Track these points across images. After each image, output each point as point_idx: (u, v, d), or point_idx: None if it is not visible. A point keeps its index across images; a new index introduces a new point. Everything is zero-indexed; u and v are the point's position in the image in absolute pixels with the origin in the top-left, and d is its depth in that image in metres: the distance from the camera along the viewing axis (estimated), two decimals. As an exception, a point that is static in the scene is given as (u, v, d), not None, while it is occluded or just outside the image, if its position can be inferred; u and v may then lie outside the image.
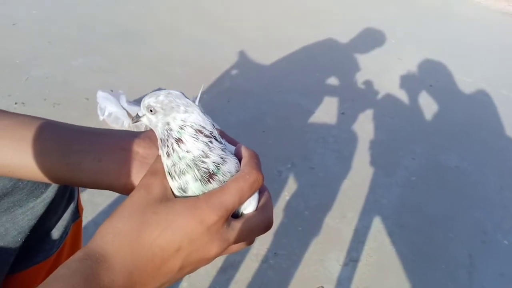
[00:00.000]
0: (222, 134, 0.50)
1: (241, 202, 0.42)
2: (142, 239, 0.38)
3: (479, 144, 2.87)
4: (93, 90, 2.28)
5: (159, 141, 0.44)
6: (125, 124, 2.17)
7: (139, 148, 0.51)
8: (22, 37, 2.87)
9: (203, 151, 0.42)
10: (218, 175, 0.42)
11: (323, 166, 2.31)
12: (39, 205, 0.60)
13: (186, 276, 1.17)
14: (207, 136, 0.43)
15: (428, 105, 3.23)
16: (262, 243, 1.73)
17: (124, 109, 2.16)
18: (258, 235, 0.45)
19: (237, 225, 0.42)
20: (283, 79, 3.13)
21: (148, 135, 0.53)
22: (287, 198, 2.03)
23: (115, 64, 2.79)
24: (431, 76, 3.75)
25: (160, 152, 0.44)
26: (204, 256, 0.40)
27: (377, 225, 1.99)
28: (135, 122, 0.47)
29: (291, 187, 2.10)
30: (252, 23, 4.02)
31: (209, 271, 1.55)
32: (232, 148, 0.47)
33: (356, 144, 2.56)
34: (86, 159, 0.49)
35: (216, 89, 2.79)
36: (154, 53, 3.05)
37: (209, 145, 0.43)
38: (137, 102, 2.39)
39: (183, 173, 0.42)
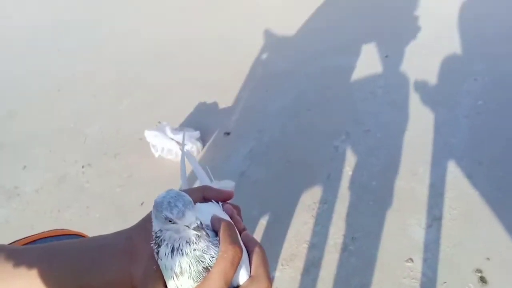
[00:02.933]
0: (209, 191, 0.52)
1: (228, 283, 0.43)
2: None
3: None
4: (143, 128, 2.40)
5: (162, 241, 0.45)
6: (178, 153, 2.28)
7: (132, 248, 0.52)
8: (70, 99, 3.10)
9: (206, 246, 0.44)
10: (210, 266, 0.44)
11: (378, 125, 2.21)
12: None
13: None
14: (203, 229, 0.44)
15: (481, 10, 2.87)
16: (336, 230, 1.74)
17: (172, 139, 2.26)
18: None
19: None
20: (315, 44, 3.00)
21: (144, 226, 0.53)
22: (350, 172, 1.99)
23: (156, 94, 2.89)
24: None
25: (161, 251, 0.45)
26: None
27: (453, 171, 1.87)
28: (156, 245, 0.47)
29: (350, 159, 2.05)
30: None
31: (292, 275, 1.61)
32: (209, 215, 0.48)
33: (408, 86, 2.39)
34: (94, 280, 0.52)
35: (251, 82, 2.77)
36: (186, 71, 3.09)
37: (206, 239, 0.44)
38: (183, 126, 2.48)
39: (182, 273, 0.44)
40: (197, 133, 2.33)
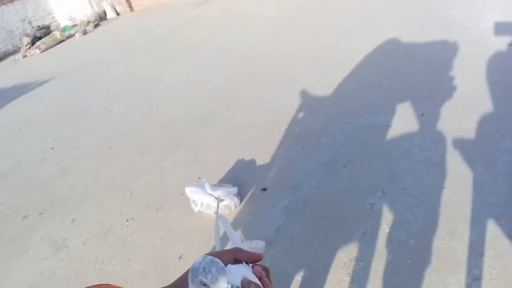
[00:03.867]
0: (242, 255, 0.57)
1: None
2: None
3: None
4: (184, 184, 2.52)
5: None
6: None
7: None
8: (119, 156, 3.33)
9: None
10: None
11: (415, 182, 2.20)
12: None
13: None
14: None
15: (511, 70, 2.89)
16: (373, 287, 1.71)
17: (211, 195, 2.35)
18: None
19: None
20: (350, 103, 3.10)
21: (179, 286, 0.58)
22: (387, 230, 1.97)
23: (196, 153, 3.05)
24: (507, 34, 3.36)
25: None
26: None
27: (493, 230, 1.81)
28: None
29: (387, 217, 2.04)
30: (294, 59, 4.08)
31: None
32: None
33: (445, 144, 2.40)
34: None
35: (288, 139, 2.87)
36: (225, 130, 3.27)
37: None
38: (221, 182, 2.58)
39: None
40: (235, 189, 2.42)
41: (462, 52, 3.27)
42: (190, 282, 0.49)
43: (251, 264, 0.58)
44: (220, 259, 0.56)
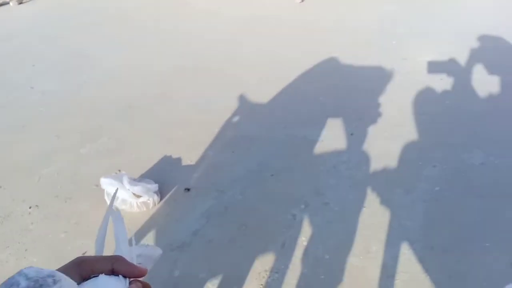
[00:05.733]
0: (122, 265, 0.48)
1: None
2: None
3: (503, 134, 2.68)
4: (101, 175, 2.32)
5: None
6: (133, 204, 2.20)
7: None
8: (32, 137, 3.02)
9: None
10: None
11: (337, 199, 2.22)
12: None
13: None
14: None
15: (440, 103, 3.07)
16: (284, 302, 1.66)
17: (128, 189, 2.19)
18: None
19: None
20: (285, 114, 3.09)
21: (78, 262, 0.48)
22: (305, 243, 1.95)
23: (121, 143, 2.86)
24: (441, 71, 3.58)
25: None
26: None
27: (406, 253, 1.86)
28: None
29: (306, 230, 2.03)
30: (243, 64, 4.04)
31: None
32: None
33: (369, 165, 2.46)
34: None
35: (219, 141, 2.79)
36: (156, 124, 3.10)
37: None
38: (142, 177, 2.43)
39: None
40: (155, 186, 2.28)
41: (396, 80, 3.42)
42: None
43: (130, 279, 0.48)
44: (93, 267, 0.47)
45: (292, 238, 1.99)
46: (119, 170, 2.54)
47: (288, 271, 1.81)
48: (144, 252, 0.63)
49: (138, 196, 2.21)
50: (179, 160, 2.64)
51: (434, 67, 3.60)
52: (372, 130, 2.79)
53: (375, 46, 4.11)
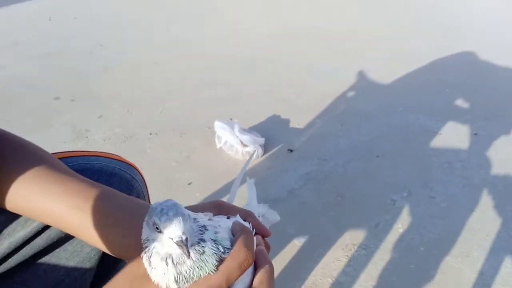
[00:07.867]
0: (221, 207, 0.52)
1: (229, 282, 0.42)
2: None
3: None
4: (214, 120, 2.47)
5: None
6: (239, 151, 2.31)
7: None
8: (161, 75, 3.31)
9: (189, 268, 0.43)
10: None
11: (446, 195, 2.08)
12: None
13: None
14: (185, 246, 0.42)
15: None
16: (368, 279, 1.64)
17: (237, 137, 2.30)
18: None
19: None
20: (405, 98, 2.94)
21: (218, 204, 0.56)
22: (400, 230, 1.88)
23: (237, 94, 2.99)
24: None
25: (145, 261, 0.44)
26: None
27: (509, 267, 1.69)
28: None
29: (405, 217, 1.94)
30: (368, 39, 3.89)
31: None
32: (229, 222, 0.48)
33: (489, 169, 2.24)
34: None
35: (329, 113, 2.76)
36: (273, 81, 3.17)
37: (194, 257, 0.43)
38: (251, 129, 2.52)
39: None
40: (262, 140, 2.36)
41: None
42: (144, 225, 0.43)
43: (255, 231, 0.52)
44: (230, 211, 0.54)
45: (388, 222, 1.92)
46: (231, 119, 2.67)
47: (378, 250, 1.77)
48: (266, 214, 0.70)
49: (245, 146, 2.30)
50: (287, 121, 2.68)
51: None
52: (498, 132, 2.53)
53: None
